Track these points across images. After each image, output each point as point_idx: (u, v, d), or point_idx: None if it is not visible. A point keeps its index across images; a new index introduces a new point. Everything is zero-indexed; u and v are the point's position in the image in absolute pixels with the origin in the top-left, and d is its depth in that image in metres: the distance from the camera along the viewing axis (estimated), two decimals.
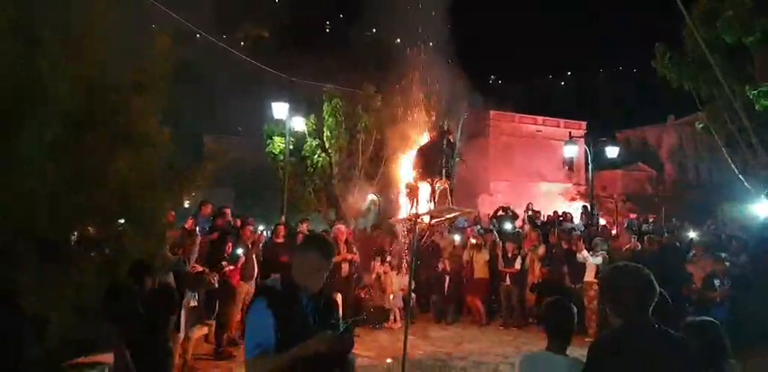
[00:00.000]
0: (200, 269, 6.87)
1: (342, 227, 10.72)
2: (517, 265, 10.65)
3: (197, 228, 8.25)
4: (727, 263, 7.93)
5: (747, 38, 9.85)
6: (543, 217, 16.51)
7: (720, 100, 10.78)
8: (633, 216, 21.14)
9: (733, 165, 11.16)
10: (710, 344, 3.05)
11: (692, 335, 3.01)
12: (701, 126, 11.92)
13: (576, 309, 3.20)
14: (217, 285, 7.16)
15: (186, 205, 8.79)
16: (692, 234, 13.39)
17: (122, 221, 5.58)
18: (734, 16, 9.83)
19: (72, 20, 5.17)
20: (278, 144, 15.93)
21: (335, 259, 9.81)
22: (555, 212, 16.98)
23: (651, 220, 16.97)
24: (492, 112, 31.74)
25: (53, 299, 4.79)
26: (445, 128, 14.84)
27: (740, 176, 10.91)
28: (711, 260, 7.99)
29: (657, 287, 2.50)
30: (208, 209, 9.23)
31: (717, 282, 7.43)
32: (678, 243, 10.61)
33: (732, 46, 10.20)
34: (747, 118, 10.20)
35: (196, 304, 6.75)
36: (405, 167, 16.54)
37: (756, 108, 9.57)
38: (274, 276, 2.92)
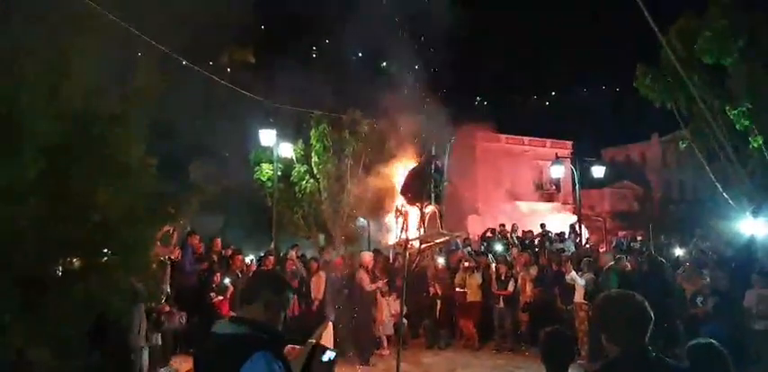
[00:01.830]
0: (168, 308, 6.75)
1: (368, 255, 10.58)
2: (510, 287, 10.60)
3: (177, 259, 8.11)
4: (706, 280, 8.06)
5: (725, 59, 10.03)
6: (535, 236, 16.56)
7: (701, 118, 10.92)
8: (622, 234, 21.24)
9: (716, 182, 11.26)
10: (716, 365, 3.04)
11: (698, 357, 3.03)
12: (683, 145, 12.05)
13: (573, 336, 3.21)
14: (184, 322, 7.03)
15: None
16: (679, 252, 13.51)
17: (108, 252, 5.51)
18: (711, 37, 10.03)
19: (54, 52, 5.19)
20: (266, 170, 15.90)
21: (372, 287, 9.75)
22: (547, 232, 17.04)
23: (639, 238, 17.04)
24: (479, 134, 32.00)
25: (35, 335, 4.70)
26: (432, 152, 14.96)
27: (723, 193, 11.01)
28: (696, 277, 8.11)
29: (651, 314, 2.46)
30: (195, 240, 9.15)
31: (699, 299, 7.56)
32: (663, 260, 10.70)
33: (711, 65, 10.38)
34: (728, 135, 10.34)
35: (160, 343, 6.62)
36: (394, 192, 16.57)
37: (737, 127, 9.70)
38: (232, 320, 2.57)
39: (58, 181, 4.78)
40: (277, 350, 2.38)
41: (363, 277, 9.84)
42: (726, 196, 10.93)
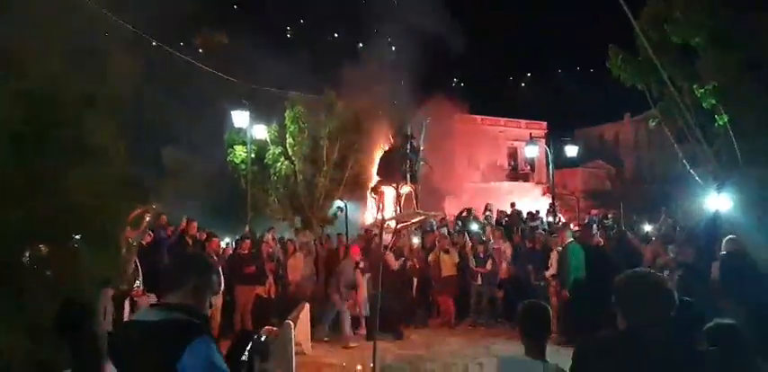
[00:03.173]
0: (141, 292, 6.71)
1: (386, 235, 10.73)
2: (489, 266, 10.79)
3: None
4: (672, 254, 8.30)
5: (694, 39, 10.16)
6: (507, 215, 16.80)
7: (670, 98, 11.11)
8: (594, 212, 21.64)
9: (684, 160, 11.51)
10: (739, 348, 3.03)
11: (720, 338, 3.02)
12: (653, 123, 12.25)
13: (549, 310, 3.17)
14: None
15: None
16: (648, 228, 13.90)
17: (77, 237, 5.45)
18: (682, 18, 10.15)
19: (16, 33, 5.06)
20: (239, 152, 15.78)
21: (396, 266, 9.88)
22: (517, 211, 17.31)
23: (611, 216, 17.41)
24: (455, 115, 32.07)
25: (6, 322, 4.68)
26: (408, 132, 15.02)
27: (690, 171, 11.28)
28: (663, 252, 8.35)
29: (676, 300, 2.33)
30: (163, 220, 9.14)
31: (666, 273, 7.76)
32: (633, 236, 10.99)
33: (681, 45, 10.52)
34: (696, 115, 10.54)
35: None
36: (370, 172, 16.65)
37: (704, 106, 9.89)
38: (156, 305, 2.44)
39: (23, 163, 4.70)
40: (212, 335, 2.27)
41: (388, 257, 10.03)
42: (693, 173, 11.21)
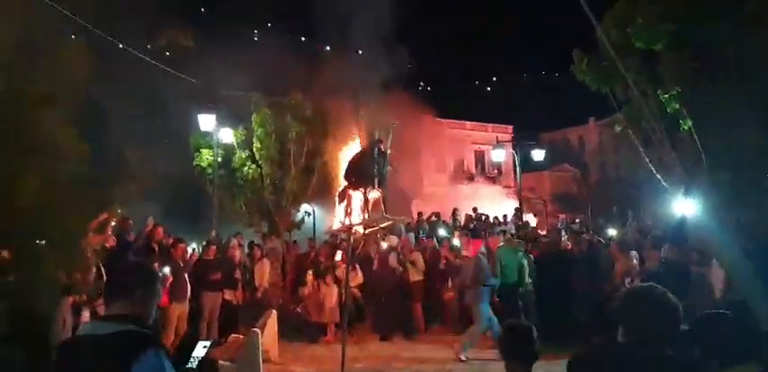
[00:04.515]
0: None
1: (394, 238, 11.36)
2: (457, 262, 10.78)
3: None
4: (635, 260, 8.29)
5: (656, 44, 10.31)
6: (473, 219, 16.89)
7: (635, 102, 11.26)
8: (562, 216, 21.96)
9: (650, 165, 11.66)
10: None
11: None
12: (619, 128, 12.40)
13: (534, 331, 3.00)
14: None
15: None
16: (613, 232, 14.08)
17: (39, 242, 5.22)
18: (643, 23, 10.29)
19: None
20: (206, 156, 15.46)
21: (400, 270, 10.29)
22: (485, 215, 17.41)
23: (578, 220, 17.63)
24: (421, 119, 32.17)
25: None
26: (376, 136, 14.92)
27: (657, 175, 11.42)
28: (625, 258, 8.36)
29: (679, 316, 2.26)
30: (129, 225, 8.87)
31: (627, 280, 7.72)
32: (602, 241, 11.10)
33: (644, 50, 10.66)
34: (660, 119, 10.70)
35: None
36: (338, 177, 16.50)
37: (668, 111, 10.04)
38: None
39: None
40: (164, 346, 2.27)
41: (391, 258, 10.55)
42: (659, 177, 11.36)
